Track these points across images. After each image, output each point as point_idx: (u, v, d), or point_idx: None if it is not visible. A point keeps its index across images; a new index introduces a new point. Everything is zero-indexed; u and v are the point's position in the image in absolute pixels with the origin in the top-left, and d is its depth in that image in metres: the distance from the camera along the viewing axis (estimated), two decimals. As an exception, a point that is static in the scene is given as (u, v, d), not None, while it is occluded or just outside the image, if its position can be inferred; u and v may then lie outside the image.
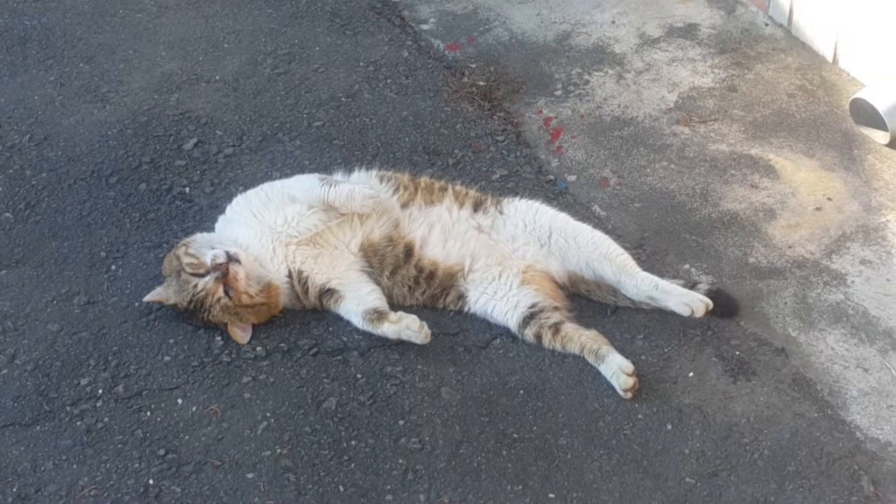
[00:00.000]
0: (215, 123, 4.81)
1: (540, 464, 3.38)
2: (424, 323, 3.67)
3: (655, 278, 3.77)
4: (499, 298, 3.83)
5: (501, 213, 3.98)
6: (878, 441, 3.42)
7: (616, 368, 3.57)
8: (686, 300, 3.68)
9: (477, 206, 3.99)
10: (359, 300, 3.79)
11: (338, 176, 4.05)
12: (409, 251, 3.87)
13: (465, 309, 3.89)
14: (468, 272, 3.88)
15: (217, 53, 5.30)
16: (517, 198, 4.06)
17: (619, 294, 3.85)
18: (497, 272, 3.87)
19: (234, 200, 3.98)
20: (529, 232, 3.93)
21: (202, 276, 3.69)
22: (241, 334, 3.75)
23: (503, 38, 5.37)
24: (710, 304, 3.68)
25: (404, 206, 3.94)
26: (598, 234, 3.90)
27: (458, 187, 4.08)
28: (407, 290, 3.89)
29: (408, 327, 3.66)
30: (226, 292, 3.69)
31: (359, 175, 4.04)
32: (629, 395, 3.54)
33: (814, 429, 3.45)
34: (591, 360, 3.66)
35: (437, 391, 3.62)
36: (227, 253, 3.69)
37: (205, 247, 3.75)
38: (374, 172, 4.05)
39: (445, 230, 3.92)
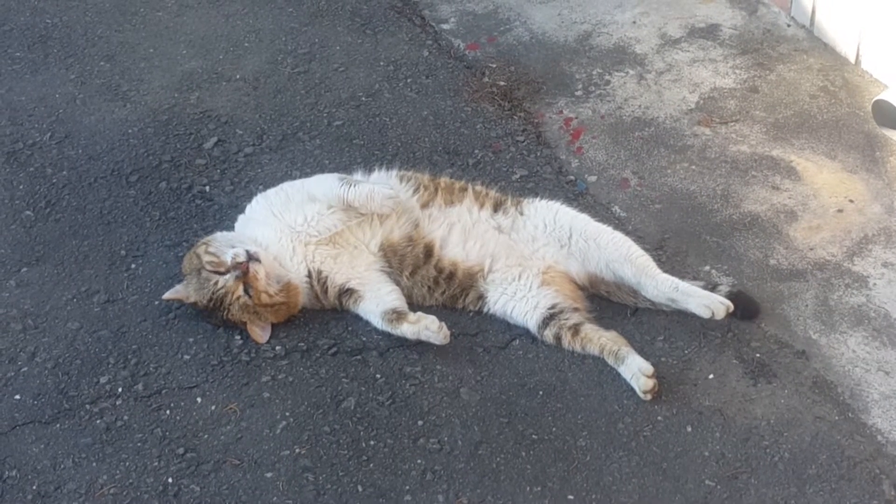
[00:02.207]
0: (235, 122, 4.82)
1: (559, 465, 3.38)
2: (443, 323, 3.66)
3: (676, 280, 3.75)
4: (518, 299, 3.82)
5: (522, 213, 3.97)
6: (900, 445, 3.41)
7: (636, 370, 3.56)
8: (706, 302, 3.67)
9: (497, 207, 3.98)
10: (378, 300, 3.79)
11: (357, 175, 4.05)
12: (428, 251, 3.87)
13: (485, 309, 3.88)
14: (488, 272, 3.88)
15: (237, 52, 5.31)
16: (537, 198, 4.05)
17: (638, 295, 3.84)
18: (517, 273, 3.86)
19: (255, 199, 3.99)
20: (549, 233, 3.92)
21: (222, 274, 3.69)
22: (261, 333, 3.76)
23: (524, 38, 5.36)
24: (731, 306, 3.66)
25: (424, 206, 3.94)
26: (619, 236, 3.89)
27: (477, 187, 4.07)
28: (426, 290, 3.88)
29: (427, 328, 3.66)
30: (245, 291, 3.69)
31: (378, 175, 4.04)
32: (649, 396, 3.53)
33: (834, 432, 3.44)
34: (610, 361, 3.65)
35: (456, 391, 3.62)
36: (247, 252, 3.69)
37: (225, 245, 3.76)
38: (393, 172, 4.05)
39: (465, 230, 3.91)
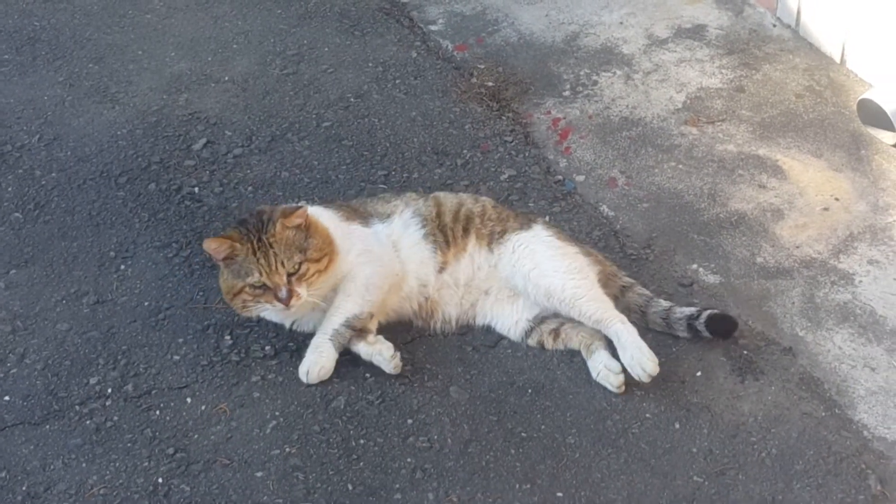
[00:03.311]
0: (224, 124, 4.83)
1: (548, 462, 3.39)
2: (398, 354, 3.64)
3: (621, 331, 3.63)
4: (504, 317, 3.81)
5: (501, 256, 3.86)
6: (886, 440, 3.42)
7: (601, 367, 3.60)
8: (636, 370, 3.57)
9: (491, 241, 3.87)
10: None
11: (395, 201, 3.97)
12: (431, 313, 3.85)
13: (470, 323, 3.87)
14: (478, 305, 3.87)
15: (226, 54, 5.32)
16: (512, 236, 3.86)
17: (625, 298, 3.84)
18: (507, 303, 3.83)
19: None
20: (514, 282, 3.83)
21: (266, 286, 3.61)
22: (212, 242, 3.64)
23: (511, 39, 5.38)
24: (653, 374, 3.55)
25: (440, 271, 3.85)
26: (569, 294, 3.71)
27: (477, 224, 3.92)
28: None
29: (380, 353, 3.63)
30: (254, 287, 3.62)
31: (404, 219, 3.91)
32: (622, 389, 3.57)
33: (821, 428, 3.46)
34: (584, 353, 3.69)
35: (445, 390, 3.63)
36: (289, 296, 3.58)
37: None
38: (422, 229, 3.88)
39: (468, 285, 3.86)
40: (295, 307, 3.62)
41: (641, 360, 3.56)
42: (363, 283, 3.73)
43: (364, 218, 3.90)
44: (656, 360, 3.56)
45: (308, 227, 3.65)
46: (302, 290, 3.59)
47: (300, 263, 3.59)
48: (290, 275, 3.58)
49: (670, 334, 3.75)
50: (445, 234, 3.89)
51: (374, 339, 3.66)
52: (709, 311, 3.74)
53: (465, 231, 3.91)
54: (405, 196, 4.04)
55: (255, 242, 3.58)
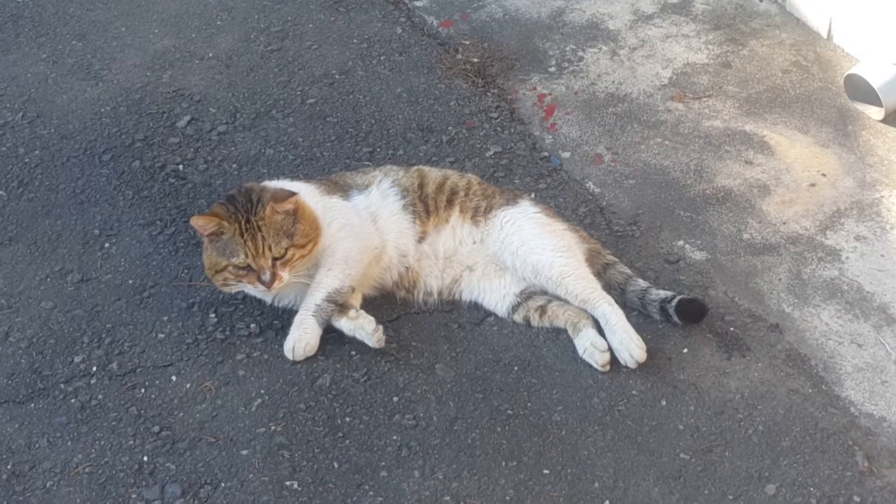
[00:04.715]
0: (209, 101, 4.80)
1: (534, 440, 3.38)
2: (381, 327, 3.62)
3: (609, 313, 3.65)
4: (490, 291, 3.81)
5: (488, 230, 3.87)
6: (873, 416, 3.42)
7: (588, 344, 3.59)
8: (623, 355, 3.60)
9: (476, 215, 3.88)
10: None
11: (374, 172, 3.98)
12: (413, 284, 3.85)
13: (457, 298, 3.86)
14: (462, 280, 3.86)
15: (210, 30, 5.29)
16: (499, 212, 3.87)
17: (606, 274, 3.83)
18: (496, 277, 3.82)
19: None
20: (502, 258, 3.84)
21: (249, 268, 3.57)
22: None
23: (497, 15, 5.36)
24: (640, 360, 3.57)
25: (420, 240, 3.86)
26: (556, 272, 3.73)
27: (461, 198, 3.93)
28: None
29: (362, 327, 3.62)
30: (236, 273, 3.61)
31: (382, 189, 3.91)
32: (607, 367, 3.56)
33: (808, 404, 3.46)
34: (570, 332, 3.68)
35: (431, 368, 3.62)
36: (272, 279, 3.56)
37: None
38: (401, 200, 3.89)
39: (448, 259, 3.86)
40: (276, 289, 3.62)
41: (630, 345, 3.57)
42: (343, 256, 3.71)
43: (344, 191, 3.89)
44: (644, 347, 3.58)
45: (296, 213, 3.63)
46: (285, 274, 3.59)
47: (286, 249, 3.57)
48: (275, 259, 3.56)
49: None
50: (426, 205, 3.89)
51: (356, 314, 3.64)
52: (680, 297, 3.73)
53: (449, 203, 3.91)
54: (385, 167, 4.06)
55: (243, 223, 3.55)
